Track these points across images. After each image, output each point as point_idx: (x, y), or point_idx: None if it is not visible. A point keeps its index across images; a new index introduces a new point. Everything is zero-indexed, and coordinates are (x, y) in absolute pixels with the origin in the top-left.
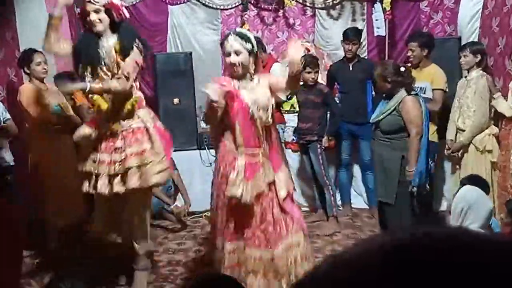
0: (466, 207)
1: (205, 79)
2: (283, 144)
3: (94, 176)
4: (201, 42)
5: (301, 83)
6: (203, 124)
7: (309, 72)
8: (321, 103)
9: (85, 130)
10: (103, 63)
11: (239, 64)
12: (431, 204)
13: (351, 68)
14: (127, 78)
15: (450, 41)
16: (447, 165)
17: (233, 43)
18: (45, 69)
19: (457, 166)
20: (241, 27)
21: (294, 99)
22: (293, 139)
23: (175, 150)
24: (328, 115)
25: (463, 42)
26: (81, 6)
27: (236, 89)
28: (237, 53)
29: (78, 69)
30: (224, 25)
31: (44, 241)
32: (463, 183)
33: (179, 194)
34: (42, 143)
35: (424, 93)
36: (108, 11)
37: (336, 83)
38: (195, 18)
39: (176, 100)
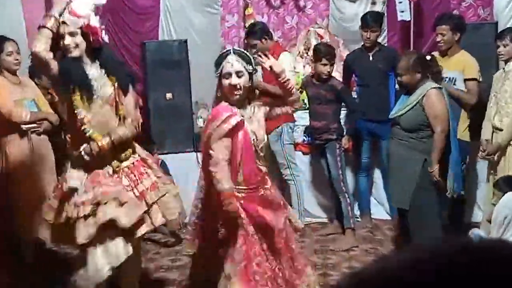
0: (510, 215)
1: (202, 70)
2: (293, 146)
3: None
4: (198, 29)
5: (312, 73)
6: (200, 123)
7: (324, 65)
8: (334, 100)
9: (73, 180)
10: (96, 95)
11: (241, 88)
12: (461, 214)
13: (371, 58)
14: (134, 122)
15: (484, 27)
16: (481, 170)
17: (235, 62)
18: (17, 59)
19: (492, 171)
20: (244, 11)
21: (304, 93)
22: (304, 140)
23: (168, 153)
24: (344, 112)
25: (500, 28)
26: (55, 28)
27: (241, 119)
28: (238, 74)
29: (61, 92)
30: (225, 9)
31: (19, 255)
32: (501, 187)
33: None
34: (13, 144)
35: (454, 84)
36: (85, 35)
37: (353, 75)
38: (191, 1)
39: (169, 95)
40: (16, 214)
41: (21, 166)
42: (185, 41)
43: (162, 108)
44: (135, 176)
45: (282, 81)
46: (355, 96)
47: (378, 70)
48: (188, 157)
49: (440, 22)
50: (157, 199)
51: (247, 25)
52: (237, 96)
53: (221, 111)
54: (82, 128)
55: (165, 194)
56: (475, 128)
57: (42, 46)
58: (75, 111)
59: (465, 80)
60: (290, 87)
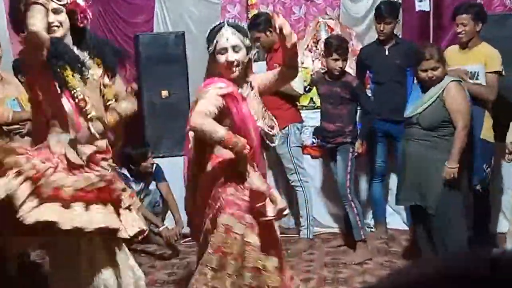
0: None
1: (201, 65)
2: (300, 149)
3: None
4: (196, 20)
5: (324, 70)
6: None
7: (336, 60)
8: (348, 98)
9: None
10: (87, 76)
11: (239, 64)
12: (486, 224)
13: (387, 53)
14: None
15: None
16: (507, 174)
17: (230, 36)
18: None
19: None
20: (247, 0)
21: (314, 91)
22: (312, 142)
23: (163, 156)
24: (358, 112)
25: None
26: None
27: (240, 94)
28: (235, 49)
29: (54, 75)
30: None
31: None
32: None
33: (169, 212)
34: None
35: (477, 78)
36: (69, 14)
37: (368, 72)
38: None
39: (164, 93)
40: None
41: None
42: (183, 34)
43: (157, 107)
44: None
45: (290, 46)
46: (369, 95)
47: (394, 66)
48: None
49: (460, 11)
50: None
51: (250, 16)
52: (235, 73)
53: (214, 82)
54: (85, 109)
55: None
56: (500, 128)
57: (40, 25)
58: (73, 93)
59: (486, 73)
60: (296, 54)
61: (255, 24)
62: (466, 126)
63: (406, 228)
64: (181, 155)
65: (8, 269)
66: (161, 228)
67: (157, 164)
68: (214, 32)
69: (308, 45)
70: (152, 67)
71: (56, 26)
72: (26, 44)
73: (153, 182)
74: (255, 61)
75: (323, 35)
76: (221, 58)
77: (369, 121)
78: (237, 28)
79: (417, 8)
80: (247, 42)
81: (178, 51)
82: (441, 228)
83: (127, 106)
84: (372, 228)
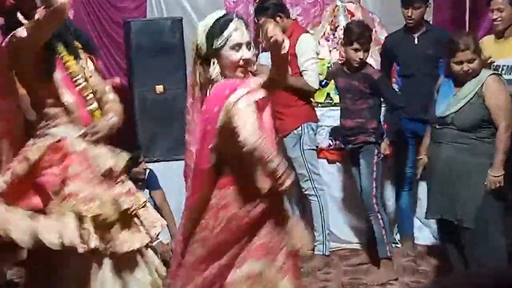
0: None
1: None
2: (315, 152)
3: None
4: (194, 4)
5: (342, 60)
6: None
7: (356, 50)
8: (369, 92)
9: None
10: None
11: (252, 63)
12: None
13: (416, 41)
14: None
15: None
16: None
17: (245, 31)
18: None
19: None
20: None
21: (331, 85)
22: (329, 145)
23: (156, 161)
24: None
25: None
26: None
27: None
28: (248, 46)
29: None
30: None
31: None
32: None
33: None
34: None
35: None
36: None
37: (394, 63)
38: None
39: (159, 88)
40: None
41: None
42: (180, 20)
43: (150, 104)
44: None
45: (281, 60)
46: (396, 89)
47: (425, 56)
48: (182, 166)
49: None
50: None
51: None
52: (248, 73)
53: (235, 88)
54: (88, 98)
55: None
56: None
57: None
58: (74, 80)
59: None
60: (286, 68)
61: (263, 8)
62: (510, 125)
63: (436, 243)
64: (178, 159)
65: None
66: (154, 243)
67: (151, 170)
68: (222, 24)
69: (324, 33)
70: (145, 58)
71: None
72: (51, 16)
73: (146, 190)
74: (264, 50)
75: (342, 21)
76: (235, 56)
77: (397, 118)
78: (245, 22)
79: None
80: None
81: (174, 40)
82: (478, 244)
83: (114, 121)
84: (397, 243)
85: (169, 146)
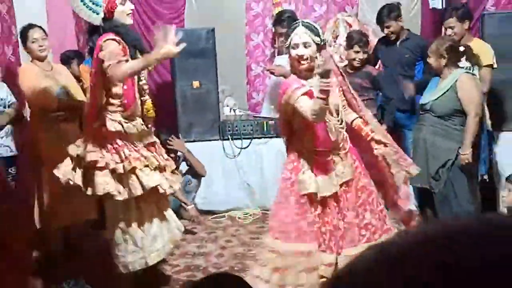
0: None
1: (229, 58)
2: None
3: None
4: (222, 16)
5: (344, 63)
6: (226, 111)
7: (357, 52)
8: (369, 87)
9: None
10: None
11: (307, 58)
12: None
13: (397, 47)
14: None
15: None
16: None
17: (302, 34)
18: (41, 46)
19: None
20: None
21: None
22: None
23: (193, 141)
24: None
25: None
26: None
27: (310, 89)
28: (305, 45)
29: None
30: None
31: (44, 243)
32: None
33: (199, 190)
34: (43, 133)
35: (472, 74)
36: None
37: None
38: None
39: (196, 83)
40: (48, 204)
41: (54, 154)
42: (213, 30)
43: (189, 96)
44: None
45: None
46: None
47: (404, 59)
48: (214, 146)
49: (445, 17)
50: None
51: (274, 13)
52: (304, 66)
53: (290, 83)
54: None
55: None
56: (497, 117)
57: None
58: (137, 79)
59: (479, 67)
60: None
61: (280, 20)
62: (477, 114)
63: (416, 211)
64: (211, 140)
65: (53, 249)
66: (188, 207)
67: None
68: (291, 30)
69: (327, 41)
70: (185, 60)
71: (130, 13)
72: (107, 76)
73: (183, 163)
74: (279, 54)
75: (342, 31)
76: (293, 52)
77: (392, 110)
78: (309, 27)
79: (430, 6)
80: (317, 39)
81: (208, 45)
82: (446, 207)
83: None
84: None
85: (202, 130)
